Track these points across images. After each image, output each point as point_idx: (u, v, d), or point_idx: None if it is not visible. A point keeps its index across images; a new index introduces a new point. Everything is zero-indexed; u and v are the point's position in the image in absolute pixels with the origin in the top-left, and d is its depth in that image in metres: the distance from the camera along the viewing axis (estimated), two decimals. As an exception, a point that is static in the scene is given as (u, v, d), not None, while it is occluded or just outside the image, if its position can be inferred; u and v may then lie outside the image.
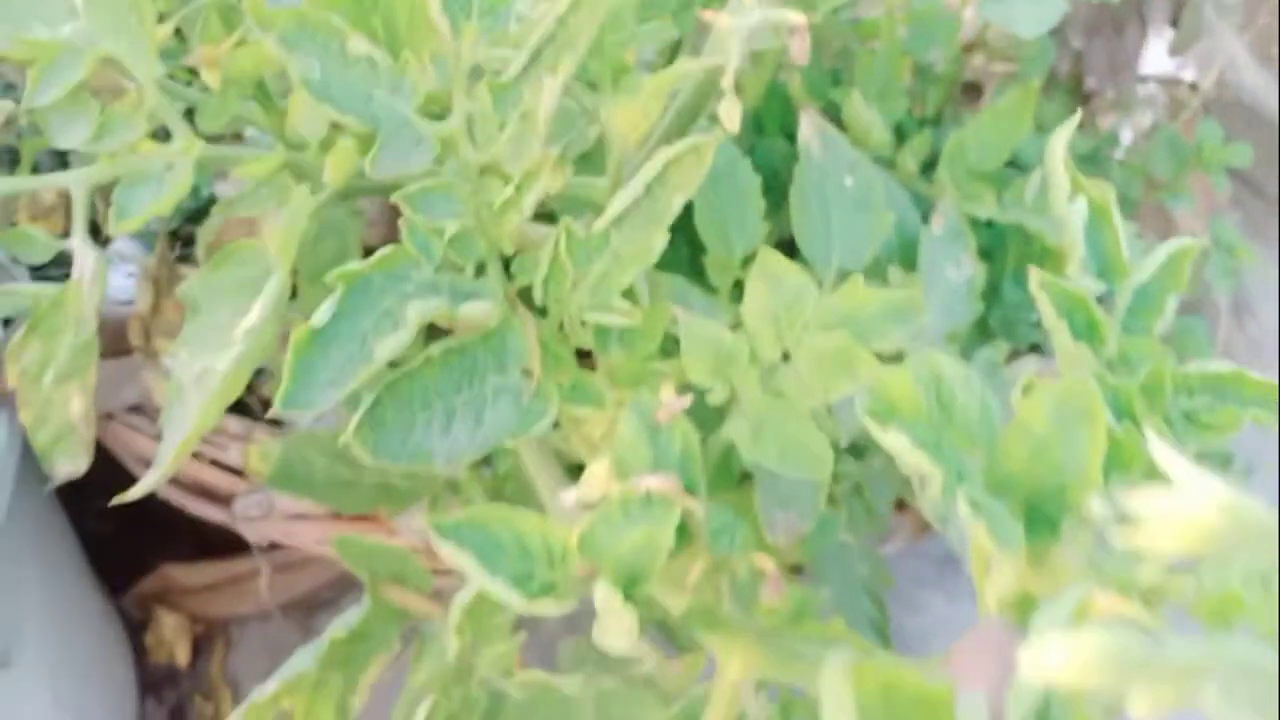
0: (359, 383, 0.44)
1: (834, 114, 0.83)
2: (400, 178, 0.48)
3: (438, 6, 0.47)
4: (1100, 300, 0.46)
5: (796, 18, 0.47)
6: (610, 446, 0.48)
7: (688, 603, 0.47)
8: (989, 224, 0.83)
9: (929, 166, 0.86)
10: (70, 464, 0.61)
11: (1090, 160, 1.06)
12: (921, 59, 0.97)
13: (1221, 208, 1.44)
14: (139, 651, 1.08)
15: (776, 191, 0.74)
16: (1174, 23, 1.16)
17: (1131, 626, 0.21)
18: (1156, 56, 1.18)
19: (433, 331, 0.52)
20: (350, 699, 0.63)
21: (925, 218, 0.79)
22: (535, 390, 0.49)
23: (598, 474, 0.47)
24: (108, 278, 0.77)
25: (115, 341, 0.74)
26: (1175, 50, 1.18)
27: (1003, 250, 0.87)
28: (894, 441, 0.34)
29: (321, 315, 0.44)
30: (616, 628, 0.39)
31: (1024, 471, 0.34)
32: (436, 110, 0.50)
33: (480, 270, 0.51)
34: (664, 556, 0.42)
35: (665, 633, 0.71)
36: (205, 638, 1.10)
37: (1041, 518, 0.34)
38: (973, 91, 1.09)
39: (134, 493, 0.55)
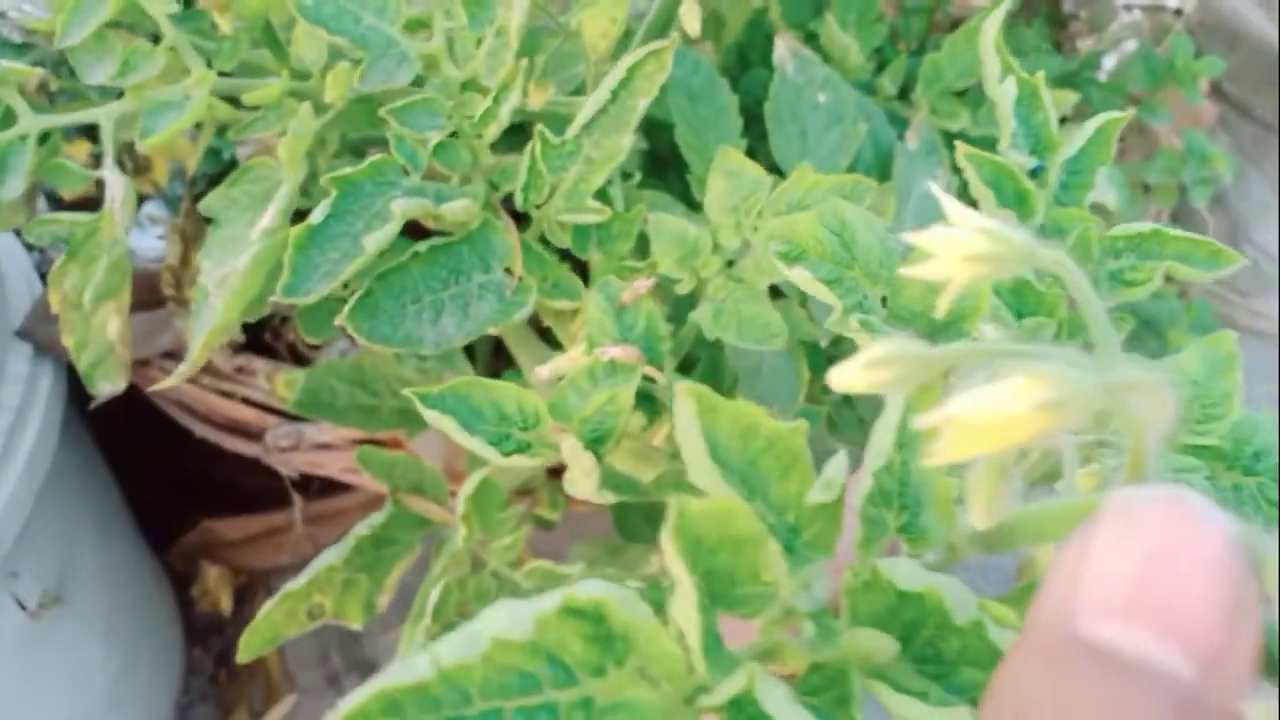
0: (351, 273, 0.49)
1: (815, 43, 0.88)
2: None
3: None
4: (1033, 175, 0.50)
5: None
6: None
7: (658, 471, 0.53)
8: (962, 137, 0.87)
9: (908, 92, 0.90)
10: (110, 384, 0.67)
11: (1070, 81, 1.10)
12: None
13: (1209, 129, 1.47)
14: (186, 603, 1.16)
15: (762, 120, 0.79)
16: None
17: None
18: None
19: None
20: (376, 597, 0.69)
21: (902, 136, 0.83)
22: (517, 286, 0.54)
23: (572, 354, 0.52)
24: (139, 240, 0.84)
25: (148, 294, 0.80)
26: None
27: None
28: (799, 276, 0.39)
29: (317, 214, 0.49)
30: (581, 473, 0.45)
31: (921, 305, 0.38)
32: (420, 31, 0.55)
33: (465, 180, 0.56)
34: (625, 415, 0.47)
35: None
36: (247, 588, 1.18)
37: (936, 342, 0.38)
38: (957, 27, 1.13)
39: (165, 384, 0.61)
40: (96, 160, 0.63)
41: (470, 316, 0.53)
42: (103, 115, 0.59)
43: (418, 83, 0.56)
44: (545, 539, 0.83)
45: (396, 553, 0.71)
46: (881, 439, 0.31)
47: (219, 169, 0.89)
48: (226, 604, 1.15)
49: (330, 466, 0.84)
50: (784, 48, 0.76)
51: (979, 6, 1.07)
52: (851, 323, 0.37)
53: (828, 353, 0.79)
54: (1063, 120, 1.11)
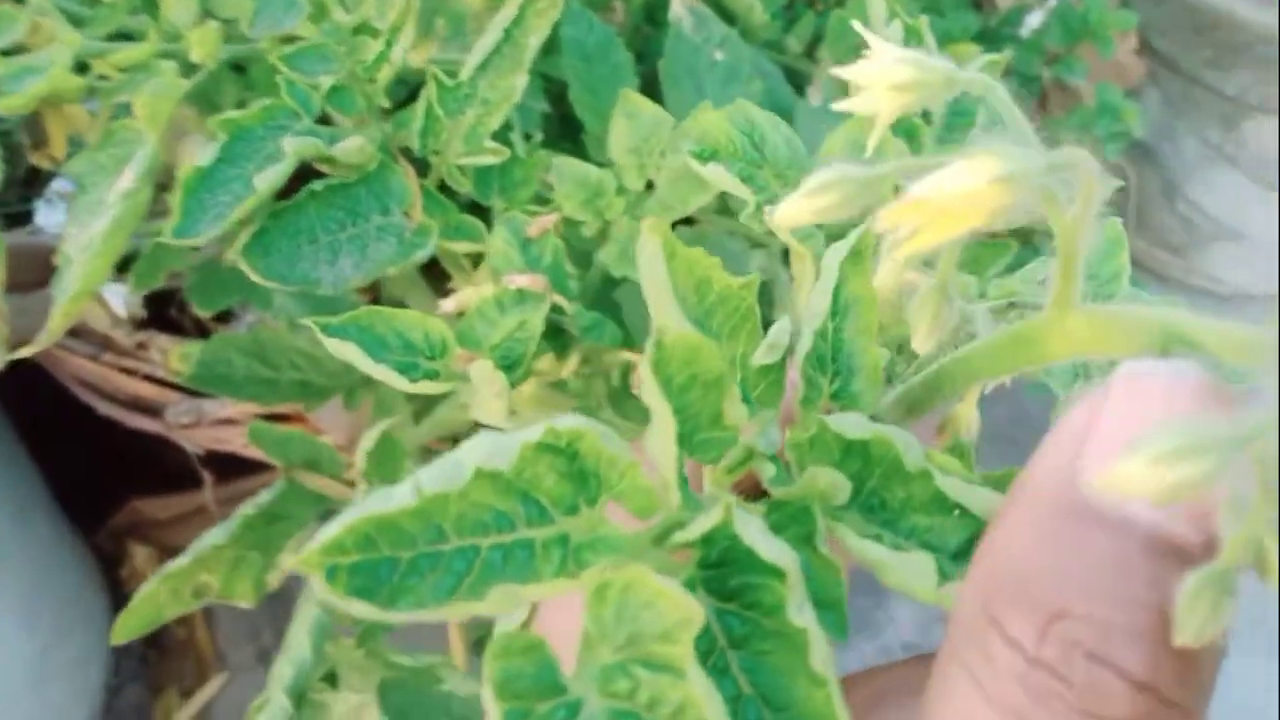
0: (244, 213, 0.49)
1: (720, 1, 0.90)
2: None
3: None
4: (922, 116, 0.52)
5: None
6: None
7: (570, 409, 0.54)
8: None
9: (816, 49, 0.93)
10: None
11: (989, 37, 1.13)
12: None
13: (1136, 87, 1.51)
14: (115, 584, 1.15)
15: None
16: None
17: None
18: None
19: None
20: (266, 575, 0.69)
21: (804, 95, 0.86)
22: (416, 228, 0.55)
23: (477, 288, 0.53)
24: (48, 216, 0.83)
25: (50, 271, 0.79)
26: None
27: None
28: (713, 173, 0.41)
29: (205, 157, 0.50)
30: (490, 394, 0.46)
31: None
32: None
33: (362, 125, 0.57)
34: (535, 342, 0.48)
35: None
36: None
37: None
38: None
39: (25, 351, 0.59)
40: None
41: (369, 258, 0.53)
42: None
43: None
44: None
45: (289, 529, 0.70)
46: (818, 302, 0.32)
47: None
48: None
49: (234, 442, 0.84)
50: (680, 5, 0.77)
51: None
52: (766, 214, 0.39)
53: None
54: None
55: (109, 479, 1.10)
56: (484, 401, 0.46)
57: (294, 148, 0.50)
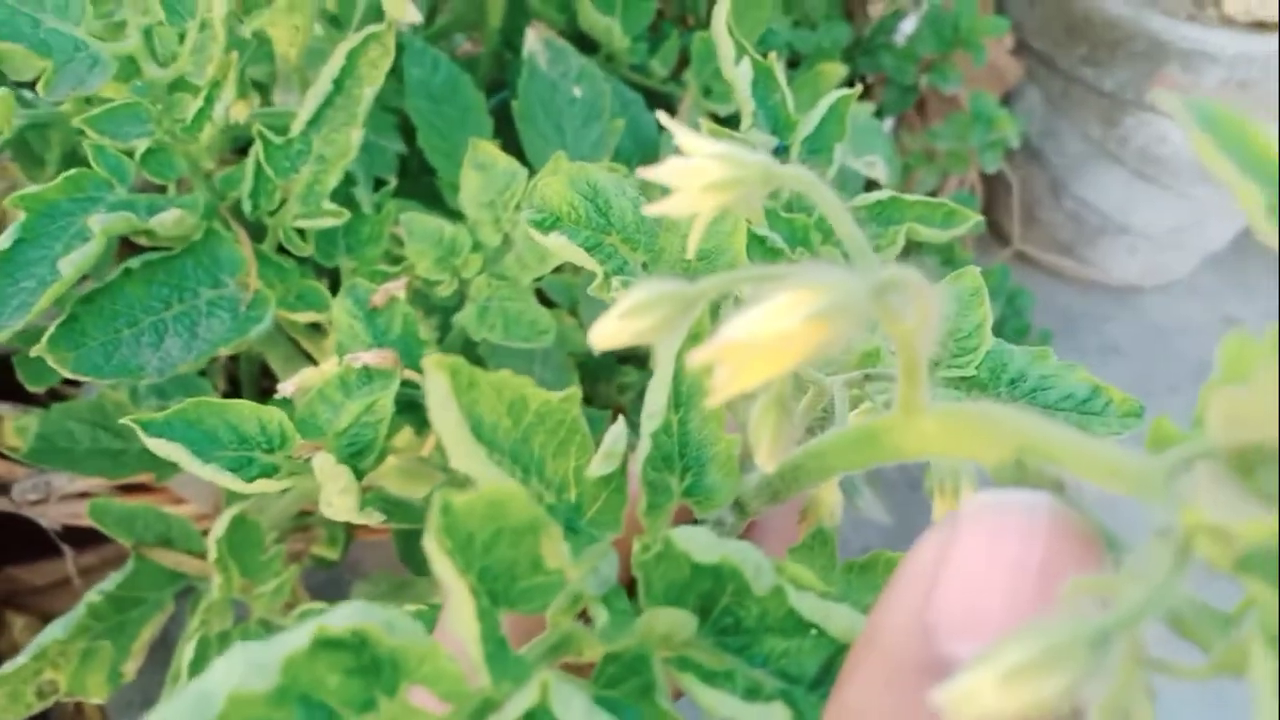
0: (49, 301, 0.45)
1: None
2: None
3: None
4: (776, 153, 0.50)
5: None
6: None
7: (431, 486, 0.51)
8: (731, 122, 0.88)
9: (683, 72, 0.90)
10: None
11: (862, 48, 1.13)
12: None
13: (1015, 87, 1.52)
14: None
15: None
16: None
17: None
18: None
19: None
20: (123, 664, 0.64)
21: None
22: (252, 299, 0.51)
23: (321, 367, 0.50)
24: None
25: None
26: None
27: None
28: (556, 243, 0.38)
29: (4, 239, 0.45)
30: (335, 490, 0.42)
31: (682, 266, 0.38)
32: (113, 32, 0.52)
33: (185, 189, 0.53)
34: (386, 426, 0.44)
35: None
36: None
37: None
38: None
39: None
40: None
41: (200, 336, 0.49)
42: None
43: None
44: (327, 581, 0.80)
45: (145, 613, 0.66)
46: (655, 399, 0.30)
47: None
48: None
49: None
50: (535, 38, 0.74)
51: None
52: (614, 286, 0.36)
53: (599, 363, 0.78)
54: (863, 85, 1.14)
55: None
56: (330, 497, 0.42)
57: (103, 225, 0.46)
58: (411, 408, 0.50)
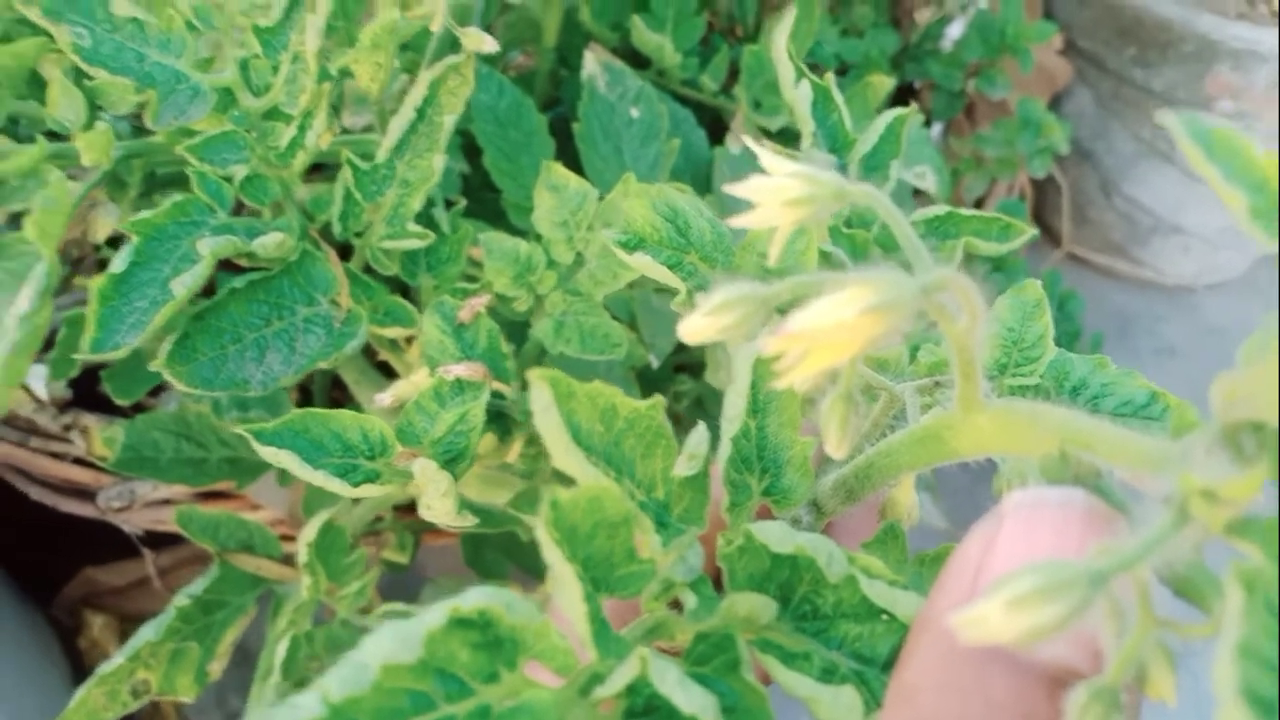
0: (163, 320, 0.50)
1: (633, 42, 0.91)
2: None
3: (193, -37, 0.54)
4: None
5: None
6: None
7: (513, 493, 0.55)
8: (785, 135, 0.91)
9: (733, 84, 0.94)
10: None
11: (910, 55, 1.16)
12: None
13: (1065, 88, 1.55)
14: (74, 655, 1.14)
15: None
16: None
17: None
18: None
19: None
20: (209, 664, 0.69)
21: (722, 135, 0.87)
22: (345, 317, 0.56)
23: (414, 379, 0.54)
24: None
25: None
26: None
27: (812, 155, 0.96)
28: (640, 262, 0.42)
29: (119, 263, 0.50)
30: (437, 495, 0.46)
31: (755, 278, 0.42)
32: (211, 64, 0.56)
33: (279, 212, 0.57)
34: (479, 433, 0.48)
35: (523, 566, 0.79)
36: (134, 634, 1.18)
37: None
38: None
39: None
40: None
41: (298, 352, 0.54)
42: None
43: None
44: (394, 583, 0.84)
45: (228, 616, 0.71)
46: (734, 404, 0.34)
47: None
48: (114, 652, 1.14)
49: (171, 521, 0.84)
50: (593, 61, 0.78)
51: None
52: (698, 303, 0.40)
53: (657, 375, 0.82)
54: (911, 92, 1.16)
55: (59, 549, 1.09)
56: (431, 501, 0.46)
57: (211, 249, 0.51)
58: (496, 417, 0.54)
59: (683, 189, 0.57)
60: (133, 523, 0.82)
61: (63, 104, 0.56)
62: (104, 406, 0.84)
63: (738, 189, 0.29)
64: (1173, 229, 1.66)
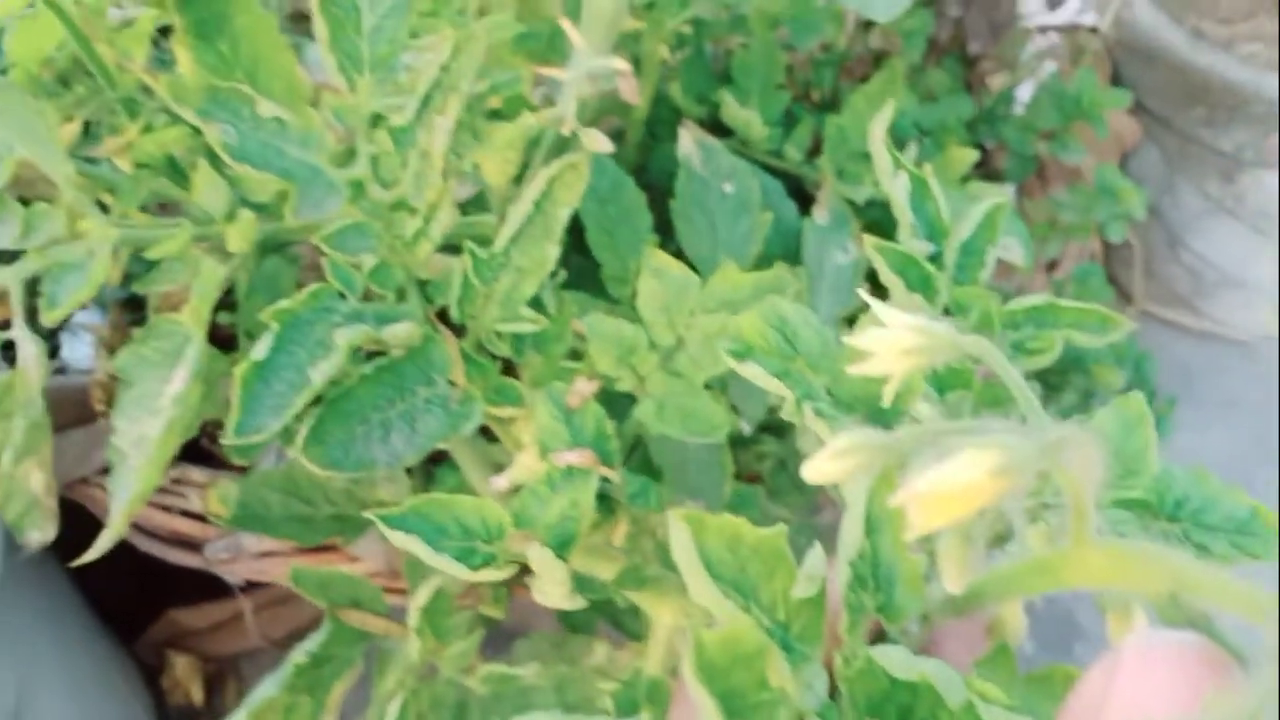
0: (302, 404, 0.53)
1: (720, 115, 0.94)
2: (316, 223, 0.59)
3: (334, 66, 0.57)
4: (932, 259, 0.56)
5: (621, 65, 0.58)
6: (532, 436, 0.59)
7: (618, 568, 0.58)
8: (872, 206, 0.94)
9: (818, 151, 0.97)
10: (39, 534, 0.69)
11: (984, 122, 1.18)
12: (805, 49, 1.08)
13: (1133, 146, 1.56)
14: (157, 695, 1.17)
15: (672, 196, 0.85)
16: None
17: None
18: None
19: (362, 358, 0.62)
20: (320, 718, 0.72)
21: (813, 201, 0.90)
22: (461, 397, 0.59)
23: (525, 461, 0.57)
24: (73, 349, 0.87)
25: (81, 410, 0.83)
26: (1054, 2, 1.30)
27: (892, 222, 0.98)
28: (750, 371, 0.45)
29: (261, 350, 0.53)
30: (552, 582, 0.49)
31: (862, 388, 0.44)
32: (344, 158, 0.60)
33: (400, 296, 0.61)
34: (588, 519, 0.52)
35: (614, 623, 0.82)
36: (217, 675, 1.21)
37: (881, 422, 0.44)
38: (883, 59, 1.20)
39: (89, 555, 0.63)
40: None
41: (418, 432, 0.57)
42: (9, 277, 0.61)
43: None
44: (488, 638, 0.87)
45: (337, 670, 0.74)
46: (852, 530, 0.37)
47: (145, 268, 0.91)
48: (198, 694, 1.18)
49: (273, 573, 0.87)
50: (689, 140, 0.82)
51: (896, 47, 1.14)
52: (806, 411, 0.43)
53: (743, 436, 0.85)
54: (983, 153, 1.18)
55: (144, 590, 1.13)
56: (545, 586, 0.49)
57: (346, 338, 0.54)
58: (600, 497, 0.57)
59: (786, 276, 0.60)
60: (236, 574, 0.86)
61: (207, 191, 0.60)
62: (206, 460, 0.88)
63: (857, 340, 0.32)
64: (1238, 283, 1.66)
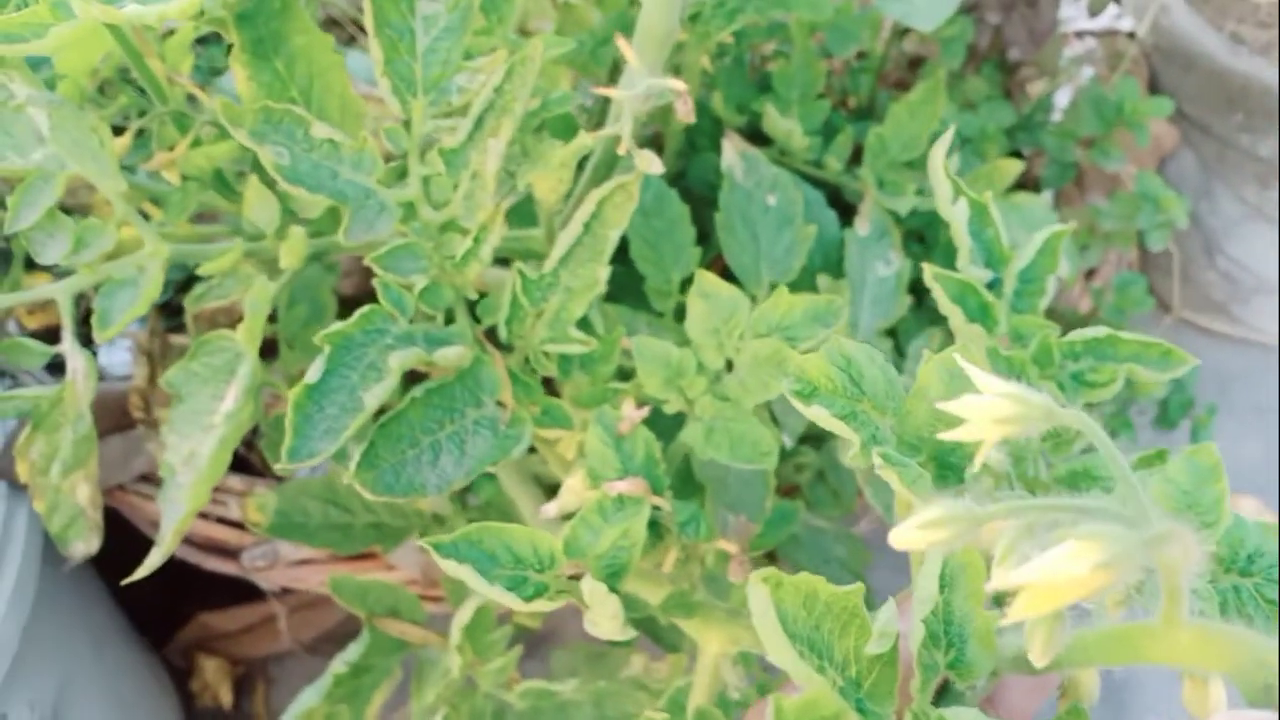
0: (355, 428, 0.53)
1: (760, 123, 0.94)
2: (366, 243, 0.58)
3: (388, 89, 0.57)
4: (990, 286, 0.55)
5: (677, 84, 0.58)
6: (581, 461, 0.58)
7: (665, 593, 0.57)
8: (914, 216, 0.93)
9: (857, 159, 0.96)
10: (84, 545, 0.69)
11: (1023, 129, 1.17)
12: (844, 56, 1.07)
13: (1171, 152, 1.55)
14: (186, 698, 1.18)
15: (713, 205, 0.84)
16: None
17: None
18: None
19: (409, 378, 0.62)
20: (359, 728, 0.73)
21: (852, 210, 0.89)
22: (510, 419, 0.58)
23: (574, 486, 0.57)
24: (109, 355, 0.87)
25: (119, 417, 0.83)
26: (1093, 10, 1.28)
27: (934, 230, 0.97)
28: (816, 414, 0.44)
29: (314, 373, 0.53)
30: (605, 615, 0.49)
31: (928, 429, 0.44)
32: (395, 178, 0.59)
33: (450, 317, 0.60)
34: (640, 549, 0.51)
35: (652, 636, 0.81)
36: (245, 678, 1.22)
37: (948, 466, 0.44)
38: (918, 64, 1.19)
39: (138, 574, 0.63)
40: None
41: (468, 454, 0.56)
42: (59, 292, 0.61)
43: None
44: (525, 649, 0.87)
45: (376, 680, 0.74)
46: (927, 586, 0.36)
47: (184, 276, 0.90)
48: (226, 696, 1.19)
49: (310, 580, 0.87)
50: (732, 152, 0.81)
51: (932, 53, 1.13)
52: (874, 458, 0.42)
53: (786, 451, 0.84)
54: (1020, 159, 1.17)
55: (174, 594, 1.13)
56: (598, 619, 0.49)
57: (399, 362, 0.54)
58: (650, 524, 0.57)
59: (836, 300, 0.60)
60: (272, 581, 0.86)
61: (257, 208, 0.59)
62: (243, 467, 0.87)
63: (953, 407, 0.31)
64: (1274, 289, 1.65)
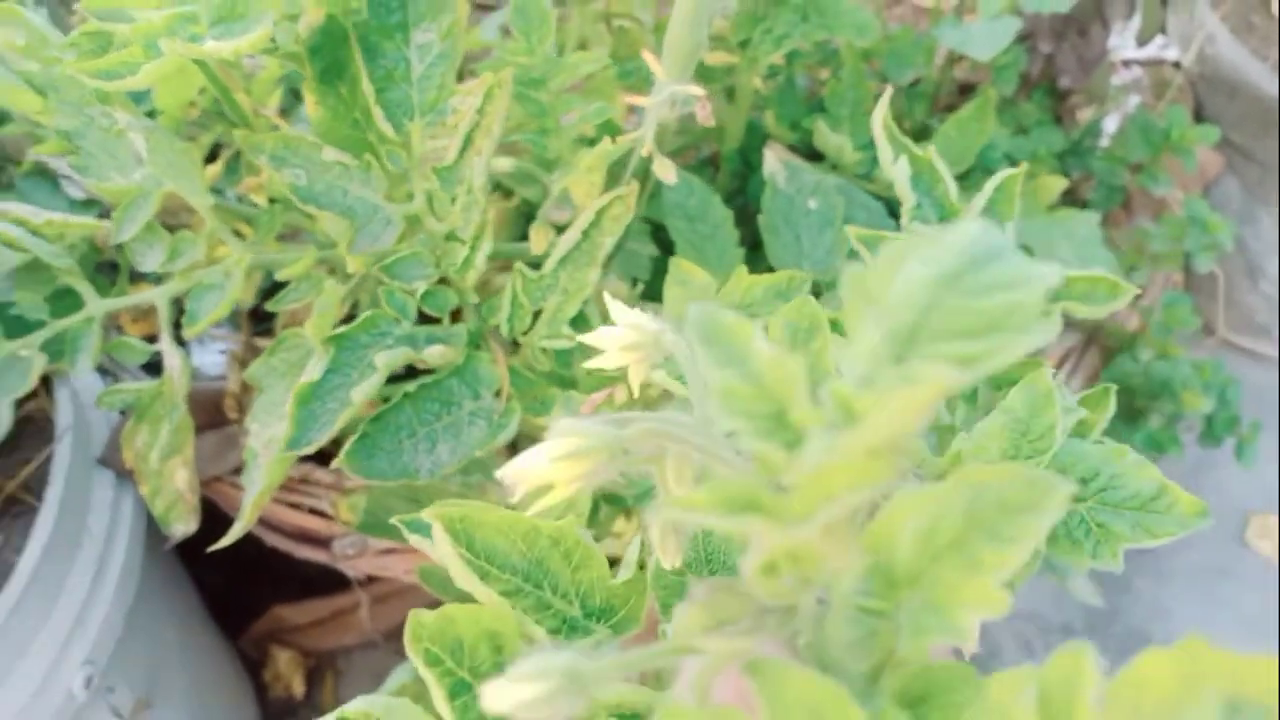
0: (344, 422, 0.50)
1: (812, 141, 0.88)
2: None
3: (381, 116, 0.55)
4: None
5: (697, 90, 0.54)
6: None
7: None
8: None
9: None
10: (183, 526, 0.69)
11: (1072, 153, 1.08)
12: (898, 82, 1.00)
13: (1215, 178, 1.42)
14: (259, 688, 1.12)
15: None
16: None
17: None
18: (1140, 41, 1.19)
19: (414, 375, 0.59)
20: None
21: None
22: (504, 409, 0.55)
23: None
24: (201, 356, 0.87)
25: (214, 415, 0.82)
26: (1142, 40, 1.18)
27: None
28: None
29: (315, 371, 0.50)
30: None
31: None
32: (399, 193, 0.57)
33: (455, 318, 0.58)
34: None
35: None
36: (317, 670, 1.14)
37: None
38: (969, 91, 1.12)
39: (225, 540, 0.62)
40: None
41: (463, 442, 0.53)
42: (157, 296, 0.61)
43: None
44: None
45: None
46: None
47: (272, 284, 0.91)
48: (298, 687, 1.13)
49: (394, 569, 0.85)
50: (773, 159, 0.76)
51: (984, 80, 1.06)
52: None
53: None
54: (1072, 184, 1.08)
55: (250, 586, 1.09)
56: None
57: (385, 361, 0.51)
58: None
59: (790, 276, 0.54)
60: (359, 569, 0.84)
61: (327, 221, 0.58)
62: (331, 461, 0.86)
63: (590, 339, 0.31)
64: (1317, 313, 1.50)
